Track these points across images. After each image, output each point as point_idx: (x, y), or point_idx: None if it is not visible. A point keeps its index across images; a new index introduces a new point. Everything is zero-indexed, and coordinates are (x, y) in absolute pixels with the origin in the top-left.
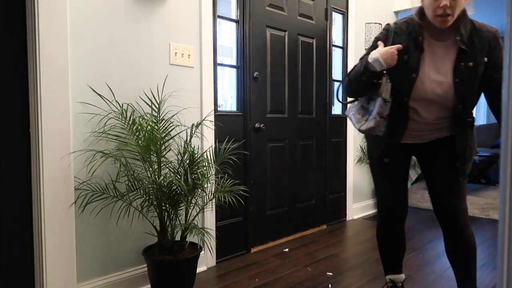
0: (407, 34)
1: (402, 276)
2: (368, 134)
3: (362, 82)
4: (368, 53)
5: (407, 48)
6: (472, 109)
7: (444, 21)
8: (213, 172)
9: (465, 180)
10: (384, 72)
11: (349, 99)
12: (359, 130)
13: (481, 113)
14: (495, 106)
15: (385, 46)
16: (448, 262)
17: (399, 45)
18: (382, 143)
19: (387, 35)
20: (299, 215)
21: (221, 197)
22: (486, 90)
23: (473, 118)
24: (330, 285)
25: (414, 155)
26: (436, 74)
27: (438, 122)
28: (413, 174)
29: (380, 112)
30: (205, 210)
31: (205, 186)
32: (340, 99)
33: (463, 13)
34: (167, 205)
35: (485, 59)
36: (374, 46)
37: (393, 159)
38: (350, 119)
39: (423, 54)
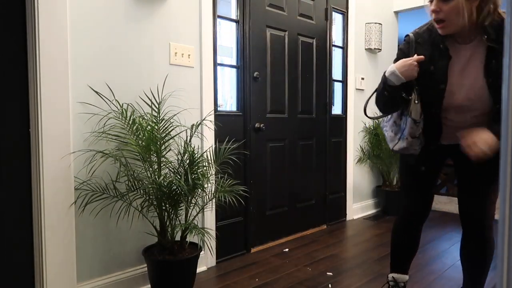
0: (431, 43)
1: (406, 277)
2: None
3: (386, 97)
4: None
5: (432, 58)
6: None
7: (440, 28)
8: (213, 172)
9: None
10: (415, 88)
11: (379, 113)
12: (392, 150)
13: None
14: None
15: (401, 56)
16: (447, 261)
17: (420, 56)
18: (417, 146)
19: (409, 47)
20: (299, 215)
21: (221, 197)
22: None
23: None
24: (330, 285)
25: (450, 157)
26: (466, 79)
27: (472, 124)
28: None
29: (411, 132)
30: (205, 210)
31: (205, 186)
32: (368, 114)
33: (488, 9)
34: (167, 205)
35: None
36: (398, 58)
37: (428, 166)
38: (385, 136)
39: (450, 61)
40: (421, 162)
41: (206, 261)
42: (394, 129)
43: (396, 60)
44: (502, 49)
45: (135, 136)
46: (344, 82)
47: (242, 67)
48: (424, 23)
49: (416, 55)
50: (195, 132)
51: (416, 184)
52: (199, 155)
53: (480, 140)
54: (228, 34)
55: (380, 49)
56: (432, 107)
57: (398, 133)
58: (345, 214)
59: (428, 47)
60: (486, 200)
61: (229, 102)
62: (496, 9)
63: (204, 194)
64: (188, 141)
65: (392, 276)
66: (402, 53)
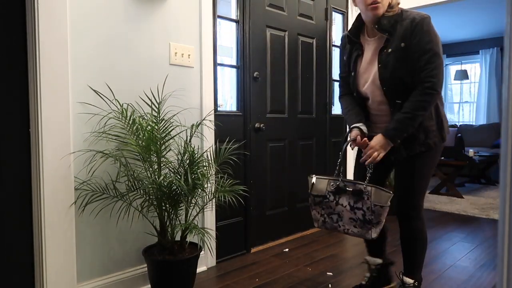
0: (353, 41)
1: (378, 260)
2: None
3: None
4: (339, 69)
5: (351, 52)
6: (401, 92)
7: (375, 8)
8: (213, 172)
9: (426, 176)
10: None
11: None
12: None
13: (481, 113)
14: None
15: (342, 52)
16: (447, 261)
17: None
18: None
19: (344, 44)
20: (299, 215)
21: (221, 197)
22: (415, 72)
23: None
24: (330, 285)
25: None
26: (368, 68)
27: (384, 112)
28: None
29: None
30: (205, 210)
31: (205, 186)
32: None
33: (389, 6)
34: (167, 205)
35: (402, 44)
36: (341, 52)
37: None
38: None
39: (362, 54)
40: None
41: (206, 261)
42: None
43: (341, 53)
44: (392, 40)
45: (135, 136)
46: None
47: (242, 67)
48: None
49: (344, 52)
50: (195, 132)
51: (360, 172)
52: (199, 155)
53: (373, 145)
54: (228, 34)
55: None
56: (353, 90)
57: None
58: None
59: (352, 44)
60: (410, 191)
61: (229, 102)
62: (398, 3)
63: (204, 194)
64: (188, 141)
65: (365, 258)
66: (340, 50)
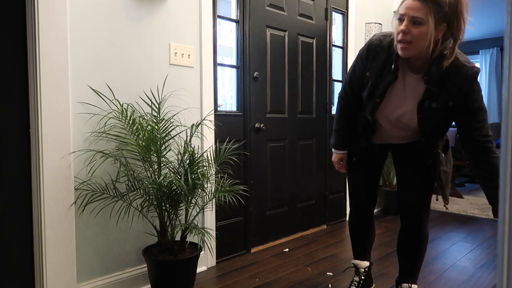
0: (386, 58)
1: (366, 263)
2: None
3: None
4: (349, 76)
5: (381, 72)
6: (438, 142)
7: (403, 49)
8: (213, 172)
9: (432, 188)
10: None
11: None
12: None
13: None
14: (472, 147)
15: (364, 65)
16: (447, 261)
17: (344, 165)
18: (356, 148)
19: (368, 55)
20: (299, 215)
21: (221, 197)
22: (461, 128)
23: (445, 145)
24: (330, 285)
25: (390, 152)
26: (402, 104)
27: (405, 135)
28: None
29: None
30: (205, 210)
31: (205, 186)
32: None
33: (441, 50)
34: (167, 205)
35: (451, 103)
36: (355, 64)
37: (362, 158)
38: None
39: (395, 81)
40: (352, 154)
41: (206, 261)
42: None
43: (353, 65)
44: (439, 95)
45: (135, 136)
46: None
47: (242, 67)
48: (389, 32)
49: (369, 66)
50: (195, 132)
51: (355, 178)
52: (199, 155)
53: None
54: (228, 34)
55: None
56: (368, 112)
57: None
58: (345, 214)
59: (383, 60)
60: (426, 194)
61: (229, 102)
62: (454, 49)
63: (204, 194)
64: (188, 141)
65: (353, 262)
66: (360, 60)
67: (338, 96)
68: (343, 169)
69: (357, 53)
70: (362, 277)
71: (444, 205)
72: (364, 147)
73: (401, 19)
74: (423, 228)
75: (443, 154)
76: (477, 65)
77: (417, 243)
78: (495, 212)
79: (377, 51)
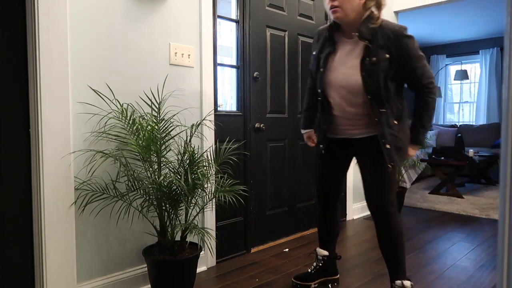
0: (327, 37)
1: (324, 252)
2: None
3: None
4: (313, 56)
5: (322, 48)
6: (385, 101)
7: (334, 12)
8: (213, 172)
9: (393, 172)
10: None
11: None
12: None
13: (481, 113)
14: (415, 88)
15: (314, 48)
16: (447, 261)
17: (315, 144)
18: (321, 136)
19: (317, 39)
20: (299, 215)
21: (221, 197)
22: (407, 81)
23: (399, 113)
24: (330, 285)
25: (352, 154)
26: (342, 67)
27: (355, 116)
28: (413, 174)
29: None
30: (205, 210)
31: (205, 186)
32: None
33: (369, 14)
34: (167, 205)
35: (387, 55)
36: (312, 46)
37: (328, 150)
38: None
39: (335, 51)
40: (320, 143)
41: (206, 261)
42: None
43: (313, 49)
44: (375, 50)
45: (135, 136)
46: None
47: (242, 67)
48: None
49: (315, 46)
50: (195, 132)
51: (321, 170)
52: (199, 155)
53: (413, 154)
54: (228, 34)
55: None
56: (318, 86)
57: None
58: (345, 214)
59: (323, 38)
60: (388, 186)
61: (229, 102)
62: (379, 12)
63: (204, 194)
64: (188, 141)
65: (315, 249)
66: (314, 43)
67: (308, 82)
68: (314, 144)
69: None
70: (319, 264)
71: (388, 165)
72: (329, 139)
73: None
74: (393, 220)
75: (395, 121)
76: (478, 64)
77: (391, 237)
78: (413, 140)
79: (320, 33)
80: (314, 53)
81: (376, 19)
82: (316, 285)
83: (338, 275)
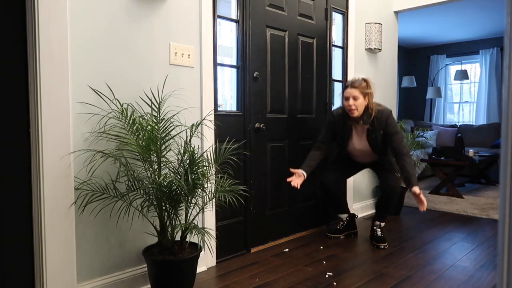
0: (343, 122)
1: (345, 215)
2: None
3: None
4: (325, 131)
5: (343, 129)
6: (384, 154)
7: (352, 112)
8: (213, 172)
9: (395, 172)
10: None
11: None
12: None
13: (481, 113)
14: (395, 154)
15: (332, 126)
16: (447, 261)
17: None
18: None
19: (333, 121)
20: (299, 215)
21: (221, 197)
22: (389, 144)
23: (387, 156)
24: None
25: (366, 167)
26: (359, 141)
27: (364, 157)
28: None
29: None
30: (205, 210)
31: (205, 186)
32: None
33: (366, 108)
34: (167, 205)
35: (381, 132)
36: (327, 123)
37: (340, 164)
38: None
39: (352, 131)
40: (340, 159)
41: (206, 261)
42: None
43: (327, 124)
44: (374, 130)
45: (135, 136)
46: (344, 82)
47: (242, 67)
48: (339, 108)
49: (334, 126)
50: (195, 132)
51: (338, 166)
52: (199, 155)
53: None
54: (228, 34)
55: (380, 49)
56: (344, 149)
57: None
58: None
59: (341, 125)
60: (390, 173)
61: (229, 102)
62: (373, 107)
63: (204, 194)
64: (188, 141)
65: (338, 215)
66: (330, 123)
67: (318, 140)
68: (294, 181)
69: (357, 53)
70: (344, 223)
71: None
72: (344, 156)
73: (346, 99)
74: (395, 187)
75: (384, 156)
76: (478, 64)
77: (392, 198)
78: (408, 185)
79: (336, 120)
80: (335, 131)
81: (371, 110)
82: (343, 236)
83: (357, 229)
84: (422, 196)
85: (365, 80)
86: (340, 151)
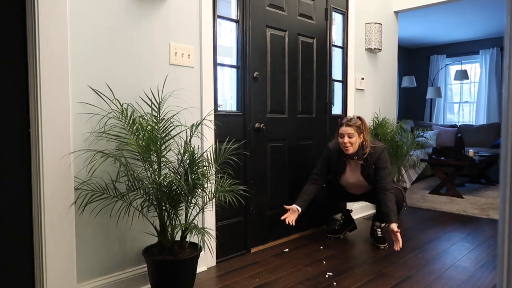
0: (338, 157)
1: (339, 214)
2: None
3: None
4: (320, 164)
5: (338, 164)
6: (373, 182)
7: (346, 149)
8: (213, 172)
9: (391, 184)
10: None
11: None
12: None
13: (481, 113)
14: (379, 187)
15: (328, 160)
16: (447, 261)
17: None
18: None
19: (329, 156)
20: (299, 215)
21: (221, 197)
22: (375, 176)
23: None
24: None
25: (358, 200)
26: (351, 175)
27: (357, 189)
28: (413, 174)
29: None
30: (205, 210)
31: (205, 186)
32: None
33: (361, 146)
34: (167, 205)
35: (373, 166)
36: (324, 156)
37: (331, 189)
38: None
39: (346, 166)
40: (332, 187)
41: (206, 261)
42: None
43: (323, 157)
44: (367, 165)
45: (135, 136)
46: (344, 82)
47: (242, 67)
48: (335, 142)
49: (330, 160)
50: (195, 132)
51: (330, 192)
52: (199, 155)
53: (397, 230)
54: (228, 34)
55: (380, 49)
56: (337, 182)
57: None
58: None
59: (336, 159)
60: (387, 181)
61: (229, 102)
62: (367, 144)
63: (204, 194)
64: (188, 141)
65: (333, 217)
66: (326, 157)
67: (313, 172)
68: (288, 218)
69: (357, 53)
70: (341, 222)
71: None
72: (336, 186)
73: (342, 136)
74: (392, 194)
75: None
76: (478, 64)
77: (393, 202)
78: (387, 221)
79: (332, 154)
80: (330, 164)
81: (366, 148)
82: (343, 235)
83: (355, 224)
84: (398, 235)
85: (359, 118)
86: (331, 180)
